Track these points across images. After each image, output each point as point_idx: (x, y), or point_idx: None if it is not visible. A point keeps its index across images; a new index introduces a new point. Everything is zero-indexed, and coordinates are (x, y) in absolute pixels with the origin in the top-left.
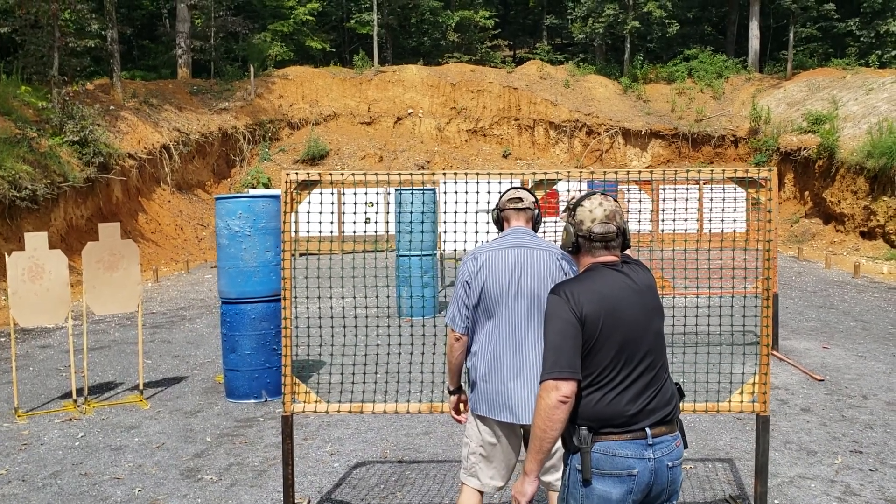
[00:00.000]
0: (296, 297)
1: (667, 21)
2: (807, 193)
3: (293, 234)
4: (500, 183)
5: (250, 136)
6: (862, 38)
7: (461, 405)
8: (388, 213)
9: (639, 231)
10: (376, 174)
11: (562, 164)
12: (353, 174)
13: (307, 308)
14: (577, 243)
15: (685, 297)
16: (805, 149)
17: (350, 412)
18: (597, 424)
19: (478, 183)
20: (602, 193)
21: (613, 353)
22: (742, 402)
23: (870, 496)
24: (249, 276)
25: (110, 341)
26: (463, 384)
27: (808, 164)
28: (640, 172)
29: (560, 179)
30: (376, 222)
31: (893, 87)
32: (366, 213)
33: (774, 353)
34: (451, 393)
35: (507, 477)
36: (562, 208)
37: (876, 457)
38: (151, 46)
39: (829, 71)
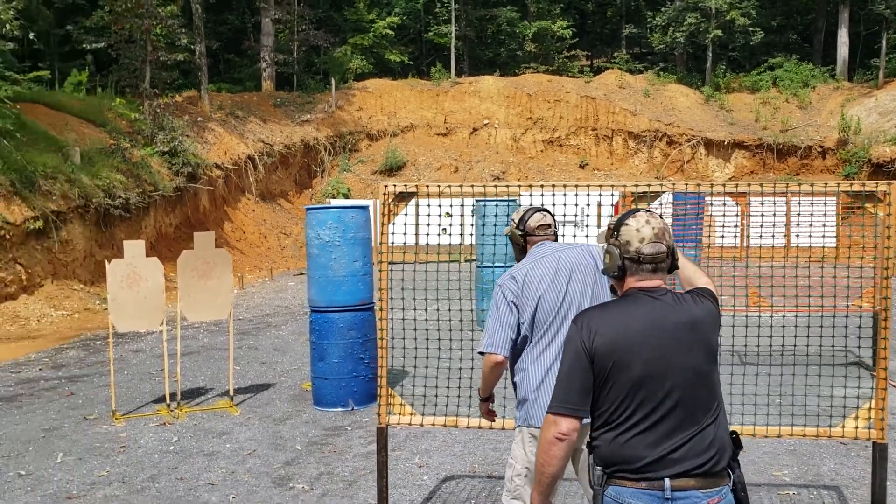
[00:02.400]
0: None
1: (750, 29)
2: None
3: (377, 244)
4: (588, 195)
5: (331, 147)
6: None
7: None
8: (462, 224)
9: (721, 245)
10: (472, 186)
11: (641, 174)
12: (449, 186)
13: (391, 318)
14: (623, 266)
15: (783, 315)
16: None
17: (445, 426)
18: (609, 466)
19: (565, 195)
20: (647, 210)
21: (628, 390)
22: (857, 427)
23: None
24: (338, 285)
25: (199, 347)
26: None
27: None
28: (749, 185)
29: (665, 192)
30: (450, 234)
31: None
32: (440, 224)
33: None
34: (482, 400)
35: (552, 497)
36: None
37: None
38: (237, 60)
39: None
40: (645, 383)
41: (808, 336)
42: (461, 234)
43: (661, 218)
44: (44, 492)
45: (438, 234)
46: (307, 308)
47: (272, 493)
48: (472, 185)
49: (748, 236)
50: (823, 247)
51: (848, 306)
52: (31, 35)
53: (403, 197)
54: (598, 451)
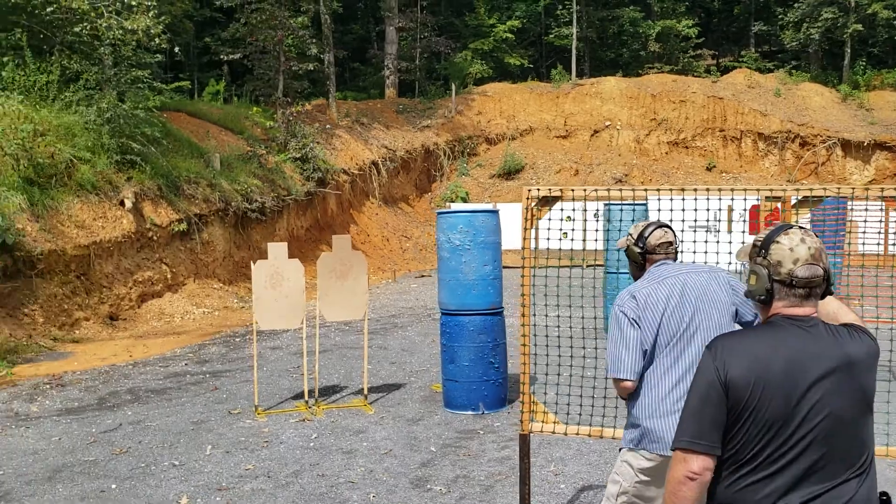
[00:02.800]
0: (507, 312)
1: (895, 22)
2: None
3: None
4: (732, 199)
5: (450, 151)
6: None
7: None
8: (584, 230)
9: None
10: (620, 190)
11: (772, 177)
12: (595, 190)
13: (522, 325)
14: (772, 290)
15: None
16: None
17: (589, 436)
18: None
19: (696, 199)
20: (801, 227)
21: (759, 430)
22: None
23: None
24: (468, 288)
25: (331, 345)
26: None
27: None
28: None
29: (828, 196)
30: (572, 239)
31: None
32: (561, 228)
33: None
34: None
35: None
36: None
37: None
38: (361, 68)
39: None
40: (780, 425)
41: None
42: (583, 240)
43: (817, 237)
44: (196, 482)
45: (560, 238)
46: (431, 310)
47: (410, 493)
48: (621, 189)
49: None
50: None
51: None
52: (177, 48)
53: (547, 201)
54: (718, 492)
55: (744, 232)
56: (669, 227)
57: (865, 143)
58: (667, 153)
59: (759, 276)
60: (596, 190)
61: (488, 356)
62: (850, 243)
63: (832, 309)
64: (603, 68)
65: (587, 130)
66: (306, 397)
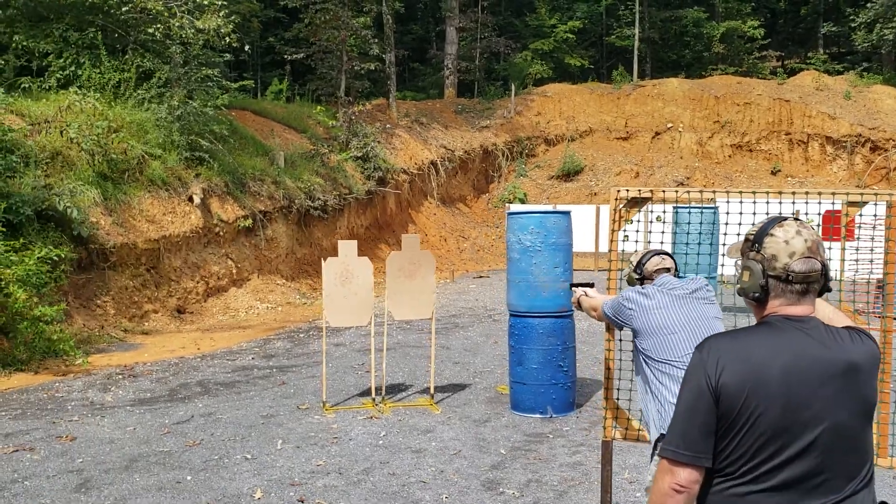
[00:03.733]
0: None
1: None
2: None
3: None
4: (806, 202)
5: (508, 152)
6: None
7: None
8: (648, 231)
9: None
10: (714, 191)
11: (840, 182)
12: (688, 191)
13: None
14: (767, 287)
15: None
16: None
17: None
18: None
19: (780, 202)
20: (796, 219)
21: (755, 439)
22: None
23: None
24: (538, 290)
25: (394, 344)
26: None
27: None
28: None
29: None
30: (636, 241)
31: None
32: (625, 230)
33: None
34: None
35: None
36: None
37: None
38: (421, 68)
39: None
40: (778, 434)
41: None
42: (647, 242)
43: (813, 229)
44: (269, 476)
45: (624, 240)
46: (491, 311)
47: (483, 496)
48: (715, 191)
49: None
50: None
51: None
52: (247, 47)
53: (636, 202)
54: (707, 502)
55: None
56: (668, 255)
57: None
58: (730, 156)
59: (753, 272)
60: (689, 191)
61: (557, 359)
62: None
63: (828, 313)
64: (665, 69)
65: (648, 132)
66: (373, 394)
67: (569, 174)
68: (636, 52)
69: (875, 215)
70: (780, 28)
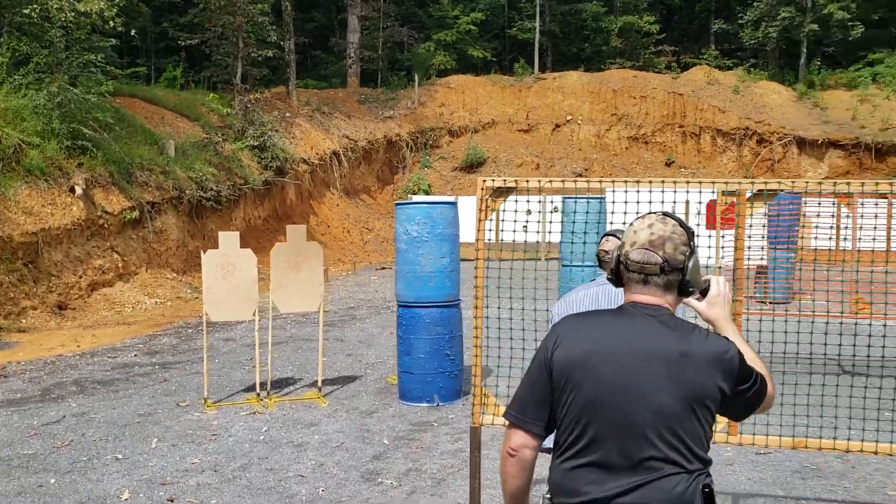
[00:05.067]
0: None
1: (850, 23)
2: None
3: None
4: (687, 192)
5: (412, 143)
6: None
7: None
8: (541, 221)
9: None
10: (575, 181)
11: (729, 173)
12: (550, 181)
13: (486, 316)
14: (618, 273)
15: (884, 324)
16: None
17: None
18: (555, 495)
19: (650, 191)
20: (664, 215)
21: (578, 412)
22: None
23: None
24: (426, 280)
25: (287, 337)
26: None
27: None
28: (877, 184)
29: (782, 189)
30: (534, 231)
31: None
32: (527, 221)
33: None
34: None
35: None
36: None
37: None
38: (323, 57)
39: None
40: (596, 409)
41: None
42: (538, 232)
43: (680, 227)
44: (139, 476)
45: (524, 229)
46: (391, 302)
47: (360, 487)
48: (576, 181)
49: (857, 239)
50: None
51: None
52: (133, 32)
53: (501, 192)
54: (549, 473)
55: (698, 225)
56: (613, 236)
57: (819, 142)
58: (627, 148)
59: (613, 260)
60: (551, 181)
61: (444, 348)
62: (802, 237)
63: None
64: (565, 63)
65: (549, 124)
66: (258, 390)
67: (472, 165)
68: (537, 44)
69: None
70: (676, 24)
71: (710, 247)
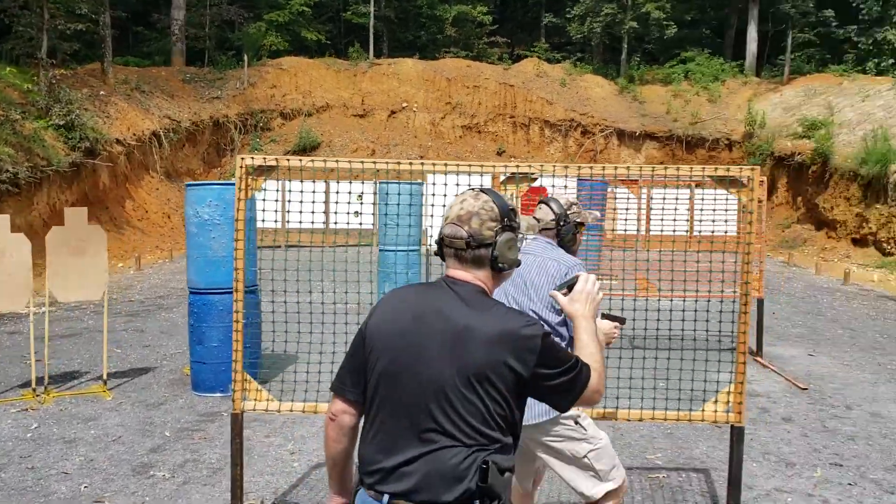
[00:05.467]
0: (273, 290)
1: (665, 23)
2: (799, 199)
3: (258, 224)
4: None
5: (242, 125)
6: (860, 46)
7: None
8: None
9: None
10: (337, 161)
11: (556, 162)
12: (311, 161)
13: (285, 302)
14: (441, 248)
15: (671, 301)
16: (799, 154)
17: (304, 412)
18: (358, 461)
19: (411, 173)
20: (481, 190)
21: (375, 381)
22: (716, 411)
23: None
24: (218, 266)
25: (82, 328)
26: None
27: (802, 170)
28: (615, 168)
29: (535, 175)
30: (364, 214)
31: (889, 95)
32: (361, 204)
33: (758, 359)
34: None
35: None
36: None
37: (856, 470)
38: (146, 33)
39: (826, 77)
40: (388, 380)
41: (695, 321)
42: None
43: (492, 203)
44: None
45: (356, 214)
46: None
47: (129, 481)
48: (339, 161)
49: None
50: (726, 233)
51: (735, 292)
52: None
53: (262, 171)
54: None
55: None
56: (545, 203)
57: (637, 134)
58: (461, 137)
59: (546, 223)
60: (312, 160)
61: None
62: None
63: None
64: (402, 49)
65: (385, 110)
66: (34, 384)
67: (305, 149)
68: (372, 29)
69: (554, 186)
70: (510, 15)
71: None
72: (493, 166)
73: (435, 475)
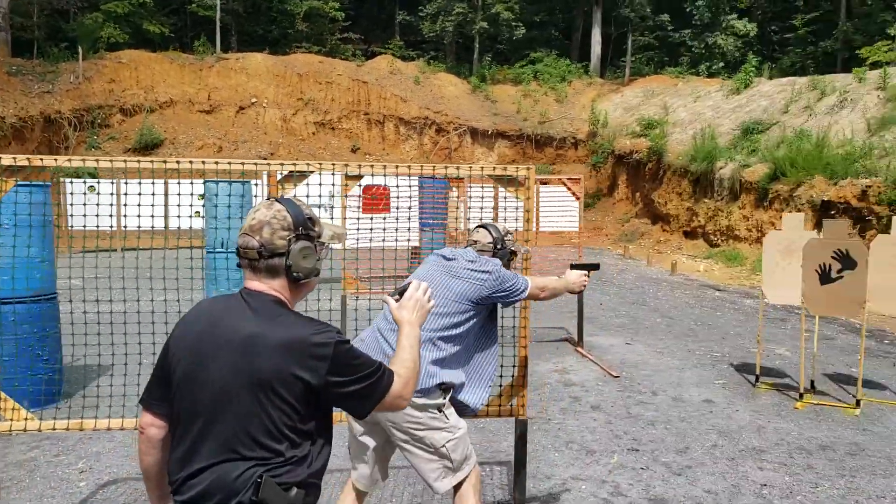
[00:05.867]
0: (84, 299)
1: (514, 23)
2: (638, 195)
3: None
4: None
5: (77, 121)
6: (693, 49)
7: None
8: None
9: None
10: (125, 161)
11: (411, 160)
12: (69, 159)
13: (97, 311)
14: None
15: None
16: (637, 152)
17: (67, 429)
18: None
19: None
20: (276, 200)
21: (173, 394)
22: (500, 406)
23: (635, 496)
24: (6, 273)
25: None
26: None
27: (640, 167)
28: (396, 167)
29: (311, 171)
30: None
31: (718, 96)
32: (203, 205)
33: (578, 349)
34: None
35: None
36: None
37: (650, 454)
38: None
39: (663, 79)
40: (181, 391)
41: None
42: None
43: (285, 213)
44: None
45: (195, 215)
46: None
47: None
48: (112, 160)
49: (467, 219)
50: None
51: None
52: None
53: (14, 171)
54: None
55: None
56: (483, 227)
57: (489, 132)
58: (314, 133)
59: (485, 246)
60: (69, 159)
61: (35, 348)
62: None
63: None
64: (253, 44)
65: (233, 106)
66: None
67: (147, 147)
68: (218, 22)
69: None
70: (366, 12)
71: (358, 230)
72: (269, 164)
73: (215, 488)
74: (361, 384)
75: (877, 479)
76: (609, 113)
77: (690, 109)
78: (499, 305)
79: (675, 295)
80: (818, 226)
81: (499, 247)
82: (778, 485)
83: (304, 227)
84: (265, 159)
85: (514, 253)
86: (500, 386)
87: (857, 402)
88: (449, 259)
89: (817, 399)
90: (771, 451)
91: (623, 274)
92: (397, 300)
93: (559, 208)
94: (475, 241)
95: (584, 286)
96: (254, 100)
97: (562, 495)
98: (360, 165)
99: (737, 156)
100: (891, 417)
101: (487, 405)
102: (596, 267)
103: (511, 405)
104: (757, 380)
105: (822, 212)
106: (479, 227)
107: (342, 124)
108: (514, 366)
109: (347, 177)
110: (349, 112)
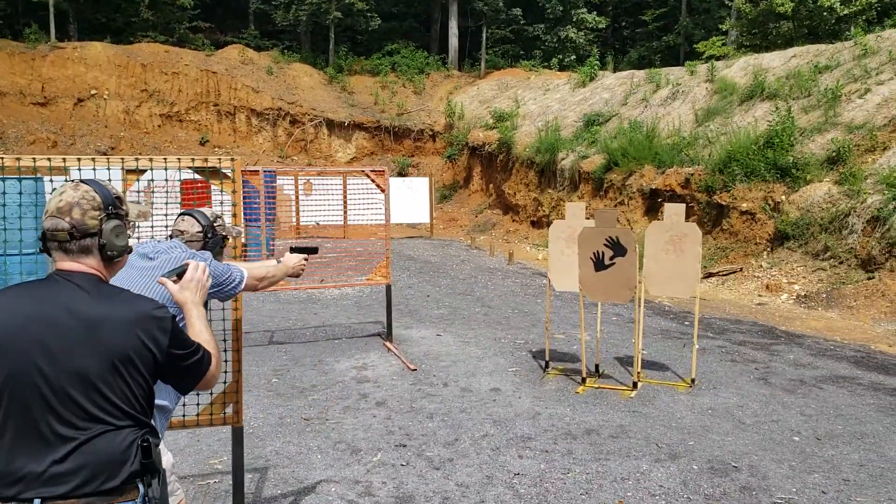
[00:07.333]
0: None
1: (369, 14)
2: (491, 186)
3: None
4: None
5: None
6: (547, 43)
7: None
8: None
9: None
10: None
11: (264, 153)
12: None
13: None
14: (45, 242)
15: (318, 292)
16: (488, 144)
17: None
18: None
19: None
20: (82, 182)
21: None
22: (212, 414)
23: (383, 495)
24: None
25: None
26: None
27: (492, 159)
28: (93, 159)
29: (146, 168)
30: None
31: (565, 89)
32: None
33: (386, 344)
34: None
35: None
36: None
37: (417, 449)
38: None
39: (517, 72)
40: (13, 382)
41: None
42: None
43: (94, 193)
44: None
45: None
46: None
47: None
48: None
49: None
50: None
51: (361, 279)
52: None
53: None
54: None
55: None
56: (189, 215)
57: (347, 123)
58: (159, 126)
59: (192, 236)
60: None
61: None
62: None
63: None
64: (95, 32)
65: (70, 98)
66: None
67: None
68: (52, 9)
69: (166, 180)
70: (221, 0)
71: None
72: (2, 158)
73: (94, 465)
74: (191, 359)
75: (628, 461)
76: (465, 105)
77: (540, 102)
78: (210, 302)
79: (504, 284)
80: (648, 213)
81: (209, 235)
82: (531, 473)
83: (114, 205)
84: (105, 154)
85: (226, 238)
86: (212, 394)
87: (634, 385)
88: (151, 258)
89: (599, 383)
90: (538, 439)
91: (462, 265)
92: (175, 282)
93: (364, 201)
94: (181, 232)
95: (303, 269)
96: (94, 91)
97: (303, 500)
98: (93, 158)
99: (577, 147)
100: (662, 398)
101: (198, 414)
102: (315, 251)
103: (224, 414)
104: (547, 366)
105: (652, 199)
106: (183, 214)
107: (190, 116)
108: (225, 371)
109: (127, 171)
110: (198, 104)
